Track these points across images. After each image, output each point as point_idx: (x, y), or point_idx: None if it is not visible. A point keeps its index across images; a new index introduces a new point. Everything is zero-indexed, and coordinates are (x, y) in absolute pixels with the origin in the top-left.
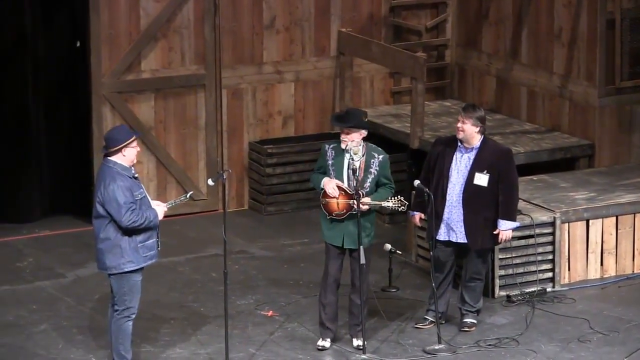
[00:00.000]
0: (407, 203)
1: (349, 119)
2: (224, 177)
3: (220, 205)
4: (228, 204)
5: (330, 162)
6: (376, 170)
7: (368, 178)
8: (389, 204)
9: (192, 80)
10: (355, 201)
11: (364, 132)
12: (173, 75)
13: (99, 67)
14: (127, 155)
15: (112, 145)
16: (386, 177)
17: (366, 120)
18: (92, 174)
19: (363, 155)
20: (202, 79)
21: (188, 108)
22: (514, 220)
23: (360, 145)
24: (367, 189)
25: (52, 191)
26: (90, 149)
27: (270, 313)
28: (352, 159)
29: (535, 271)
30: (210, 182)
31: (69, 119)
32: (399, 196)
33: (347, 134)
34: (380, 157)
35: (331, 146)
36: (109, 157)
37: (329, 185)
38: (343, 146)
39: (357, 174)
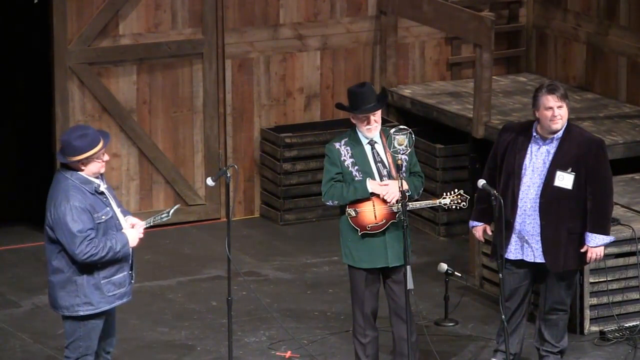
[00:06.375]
0: (468, 197)
1: (379, 97)
2: (228, 175)
3: (222, 212)
4: (233, 210)
5: (349, 162)
6: (405, 157)
7: (401, 170)
8: (446, 200)
9: (187, 47)
10: (400, 204)
11: None
12: (161, 42)
13: (64, 30)
14: (88, 169)
15: (70, 153)
16: (415, 164)
17: None
18: (54, 170)
19: (412, 145)
20: (199, 47)
21: (181, 84)
22: (607, 233)
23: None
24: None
25: (2, 194)
26: (52, 139)
27: (288, 354)
28: (397, 151)
29: (638, 299)
30: (209, 181)
31: (25, 99)
32: (456, 189)
33: (373, 116)
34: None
35: (342, 142)
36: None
37: (384, 187)
38: (371, 135)
39: (402, 169)
